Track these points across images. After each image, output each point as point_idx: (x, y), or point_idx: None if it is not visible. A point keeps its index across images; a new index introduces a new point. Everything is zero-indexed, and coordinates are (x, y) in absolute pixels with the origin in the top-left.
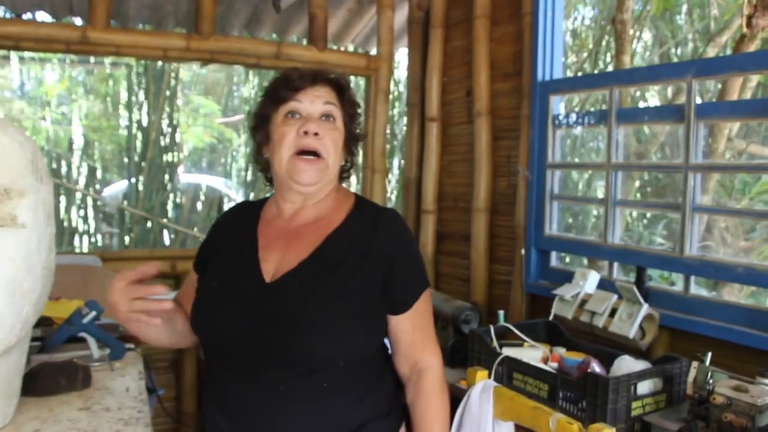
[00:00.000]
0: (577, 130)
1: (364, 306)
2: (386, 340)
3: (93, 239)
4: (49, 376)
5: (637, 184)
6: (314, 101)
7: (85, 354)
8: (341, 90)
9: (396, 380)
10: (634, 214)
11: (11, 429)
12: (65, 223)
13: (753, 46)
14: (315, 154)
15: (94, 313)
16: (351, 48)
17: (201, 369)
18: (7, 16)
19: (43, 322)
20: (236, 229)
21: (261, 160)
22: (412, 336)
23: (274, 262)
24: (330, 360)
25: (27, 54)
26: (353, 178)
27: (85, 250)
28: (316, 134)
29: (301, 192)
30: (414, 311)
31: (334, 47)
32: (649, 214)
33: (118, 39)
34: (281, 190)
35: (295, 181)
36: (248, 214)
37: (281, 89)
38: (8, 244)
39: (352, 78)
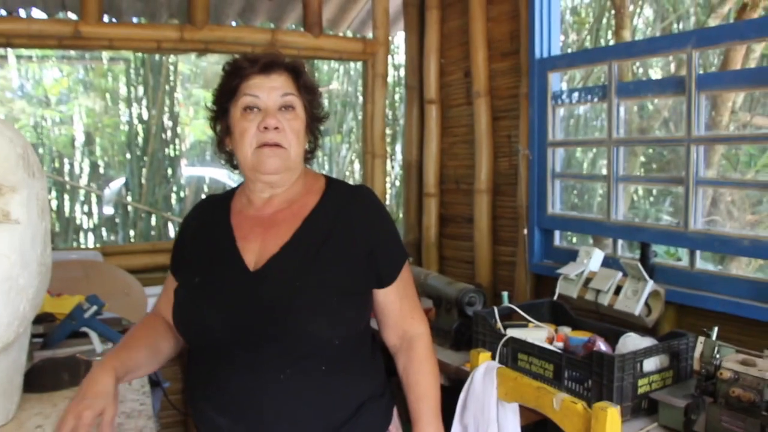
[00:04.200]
0: (580, 111)
1: (352, 282)
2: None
3: (98, 234)
4: (51, 371)
5: (642, 160)
6: (271, 93)
7: (88, 349)
8: (297, 75)
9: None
10: (640, 191)
11: (14, 426)
12: (69, 221)
13: (755, 15)
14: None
15: (95, 308)
16: (348, 33)
17: None
18: (2, 13)
19: (44, 318)
20: (208, 225)
21: (224, 151)
22: (400, 306)
23: (255, 250)
24: (326, 340)
25: (24, 52)
26: (356, 165)
27: (90, 246)
28: (276, 128)
29: (268, 181)
30: (399, 282)
31: (330, 33)
32: (655, 191)
33: (110, 32)
34: (249, 183)
35: (261, 172)
36: (217, 207)
37: (235, 80)
38: (2, 241)
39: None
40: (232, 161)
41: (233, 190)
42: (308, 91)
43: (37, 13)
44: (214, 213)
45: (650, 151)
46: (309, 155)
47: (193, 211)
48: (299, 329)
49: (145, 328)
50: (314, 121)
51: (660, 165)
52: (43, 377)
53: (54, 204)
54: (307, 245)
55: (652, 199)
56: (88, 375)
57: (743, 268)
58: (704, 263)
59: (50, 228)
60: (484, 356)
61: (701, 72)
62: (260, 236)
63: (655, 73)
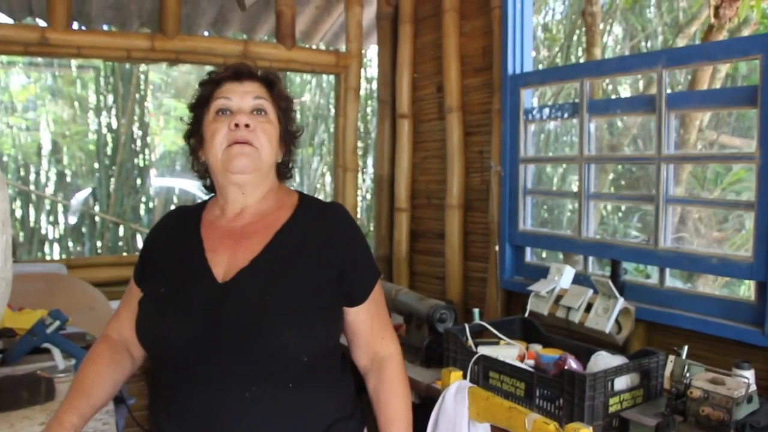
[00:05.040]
0: (551, 126)
1: (322, 298)
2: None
3: (64, 245)
4: (9, 390)
5: (611, 177)
6: (244, 97)
7: (50, 365)
8: (271, 85)
9: (354, 382)
10: (609, 207)
11: None
12: (34, 231)
13: (721, 36)
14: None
15: (58, 323)
16: (320, 46)
17: None
18: None
19: (4, 334)
20: (177, 235)
21: (198, 167)
22: (371, 326)
23: (224, 262)
24: (295, 355)
25: None
26: (327, 177)
27: (56, 257)
28: (247, 125)
29: (237, 182)
30: (370, 301)
31: (303, 45)
32: (623, 207)
33: (79, 40)
34: (221, 189)
35: (230, 170)
36: (188, 217)
37: (209, 89)
38: None
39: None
40: (205, 175)
41: (205, 202)
42: (282, 100)
43: (2, 18)
44: (183, 223)
45: (619, 168)
46: (285, 170)
47: (162, 221)
48: (266, 343)
49: (97, 363)
50: (288, 134)
51: (629, 182)
52: (0, 396)
53: (19, 213)
54: (277, 259)
55: (620, 214)
56: (46, 430)
57: (710, 284)
58: (672, 280)
59: (13, 240)
60: (455, 375)
61: (669, 91)
62: (230, 248)
63: (624, 91)
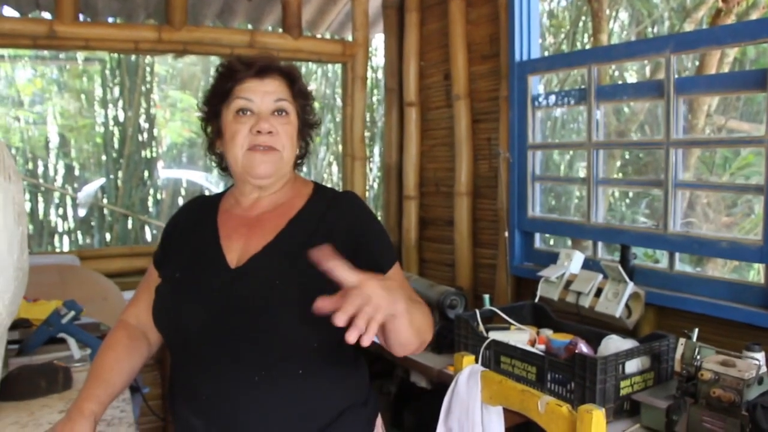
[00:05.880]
0: (558, 112)
1: (334, 284)
2: None
3: (73, 237)
4: (28, 379)
5: (619, 163)
6: (265, 98)
7: (66, 355)
8: (292, 81)
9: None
10: (617, 194)
11: None
12: (44, 224)
13: (729, 21)
14: (270, 148)
15: (72, 313)
16: (327, 35)
17: None
18: None
19: (20, 324)
20: (195, 223)
21: (215, 153)
22: None
23: (238, 249)
24: (304, 341)
25: None
26: (334, 167)
27: (66, 249)
28: (269, 132)
29: (259, 185)
30: (391, 278)
31: (309, 34)
32: (631, 194)
33: (86, 32)
34: (239, 185)
35: (252, 175)
36: (205, 207)
37: (228, 83)
38: None
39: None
40: (222, 164)
41: (224, 192)
42: (302, 96)
43: (9, 12)
44: (202, 212)
45: (626, 155)
46: (299, 161)
47: (182, 209)
48: (275, 328)
49: (115, 351)
50: (306, 126)
51: (636, 168)
52: (19, 385)
53: (28, 206)
54: (290, 245)
55: (628, 201)
56: (66, 418)
57: (719, 269)
58: (682, 265)
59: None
60: (468, 360)
61: (676, 76)
62: (244, 236)
63: (631, 77)
